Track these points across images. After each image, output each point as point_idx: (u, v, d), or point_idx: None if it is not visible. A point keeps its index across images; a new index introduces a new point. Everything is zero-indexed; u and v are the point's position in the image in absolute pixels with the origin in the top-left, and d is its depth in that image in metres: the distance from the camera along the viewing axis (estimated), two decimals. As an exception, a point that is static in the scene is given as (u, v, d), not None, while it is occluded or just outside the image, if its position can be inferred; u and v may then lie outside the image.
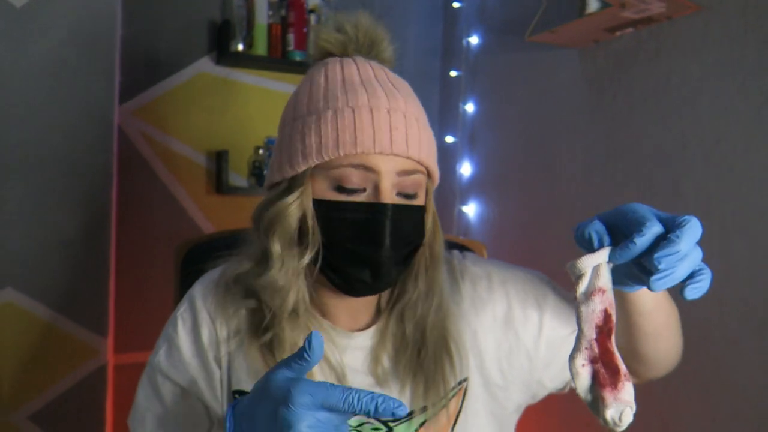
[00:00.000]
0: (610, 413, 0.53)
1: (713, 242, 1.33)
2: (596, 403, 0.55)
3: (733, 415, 1.32)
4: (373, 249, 0.67)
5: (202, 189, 2.10)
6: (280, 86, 2.18)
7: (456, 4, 2.36)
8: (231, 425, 0.57)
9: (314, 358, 0.52)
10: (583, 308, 0.54)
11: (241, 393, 0.75)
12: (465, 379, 0.77)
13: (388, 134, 0.67)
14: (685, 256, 0.48)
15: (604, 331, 0.54)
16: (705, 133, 1.41)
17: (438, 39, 2.48)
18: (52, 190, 1.61)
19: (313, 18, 2.10)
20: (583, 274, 0.54)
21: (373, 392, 0.50)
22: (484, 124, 2.23)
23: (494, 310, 0.79)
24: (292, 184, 0.70)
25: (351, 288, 0.71)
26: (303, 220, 0.69)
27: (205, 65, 2.09)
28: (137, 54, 1.98)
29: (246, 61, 2.08)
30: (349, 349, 0.76)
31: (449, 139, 2.33)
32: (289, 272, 0.70)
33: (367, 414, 0.49)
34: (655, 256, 0.48)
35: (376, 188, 0.67)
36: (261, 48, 2.05)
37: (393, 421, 0.75)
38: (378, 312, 0.79)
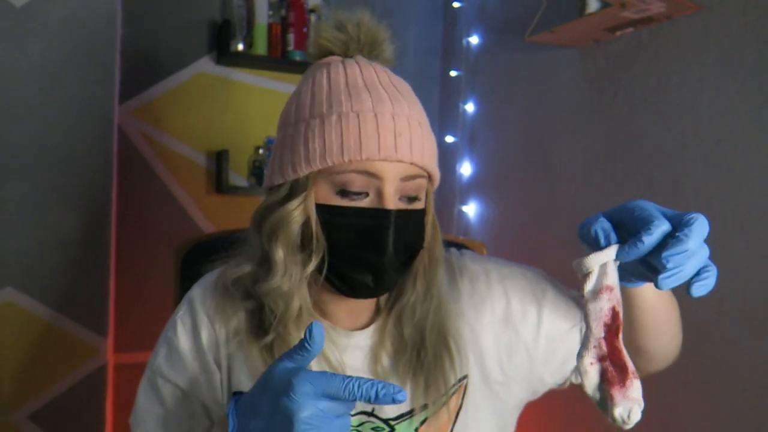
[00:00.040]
0: (618, 411, 0.53)
1: (713, 242, 1.32)
2: (604, 402, 0.55)
3: (733, 415, 1.32)
4: (376, 255, 0.68)
5: (202, 189, 2.10)
6: (280, 86, 2.18)
7: (456, 4, 2.36)
8: (234, 424, 0.57)
9: (315, 348, 0.53)
10: (590, 306, 0.54)
11: (242, 394, 0.75)
12: (465, 376, 0.77)
13: (392, 140, 0.66)
14: (693, 254, 0.48)
15: (612, 329, 0.54)
16: (705, 133, 1.41)
17: (438, 39, 2.48)
18: (52, 190, 1.61)
19: (313, 18, 2.10)
20: (590, 272, 0.54)
21: (373, 379, 0.50)
22: (484, 124, 2.23)
23: (493, 306, 0.79)
24: (294, 187, 0.69)
25: (353, 291, 0.71)
26: (306, 225, 0.69)
27: (205, 65, 2.09)
28: (137, 54, 1.98)
29: (246, 60, 2.08)
30: (349, 348, 0.76)
31: (449, 139, 2.33)
32: (293, 278, 0.70)
33: (368, 400, 0.49)
34: (664, 255, 0.48)
35: (379, 193, 0.67)
36: (261, 48, 2.05)
37: (394, 420, 0.75)
38: (377, 311, 0.79)
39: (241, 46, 2.03)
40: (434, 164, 0.73)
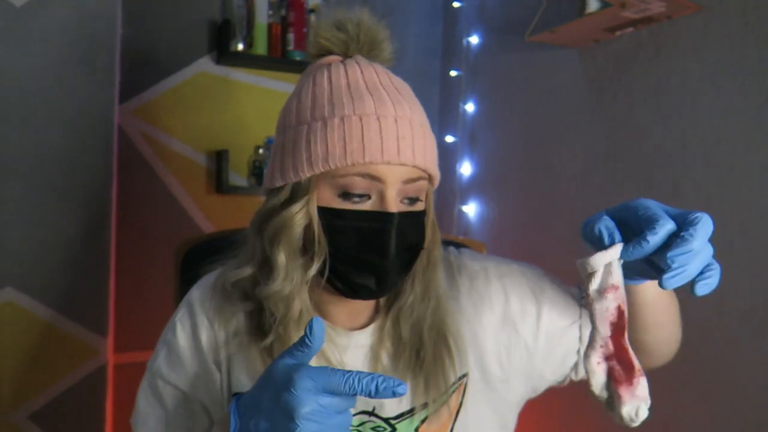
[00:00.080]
0: (626, 410, 0.54)
1: (713, 242, 1.32)
2: (612, 401, 0.55)
3: (733, 415, 1.32)
4: (379, 257, 0.68)
5: (202, 189, 2.10)
6: (280, 86, 2.18)
7: (456, 4, 2.36)
8: (236, 423, 0.57)
9: (315, 344, 0.53)
10: (596, 306, 0.54)
11: (243, 393, 0.75)
12: (465, 375, 0.77)
13: (395, 144, 0.66)
14: (698, 253, 0.49)
15: (618, 328, 0.54)
16: (705, 133, 1.41)
17: (438, 39, 2.48)
18: (52, 190, 1.61)
19: (313, 18, 2.10)
20: (595, 271, 0.54)
21: (373, 373, 0.50)
22: (484, 123, 2.23)
23: (492, 304, 0.79)
24: (296, 190, 0.69)
25: (355, 293, 0.71)
26: (308, 228, 0.69)
27: (205, 65, 2.09)
28: (137, 54, 1.98)
29: (246, 60, 2.08)
30: (349, 348, 0.76)
31: (449, 138, 2.33)
32: (294, 282, 0.70)
33: (369, 394, 0.50)
34: (669, 255, 0.48)
35: (382, 196, 0.67)
36: (261, 48, 2.05)
37: (395, 419, 0.75)
38: (376, 310, 0.79)
39: (241, 46, 2.03)
40: (435, 165, 0.73)
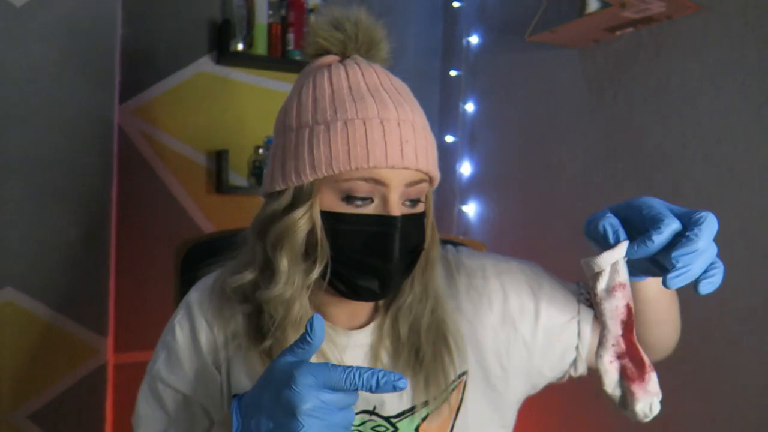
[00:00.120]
0: (640, 406, 0.54)
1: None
2: (625, 398, 0.55)
3: (733, 415, 1.32)
4: (382, 261, 0.68)
5: (202, 189, 2.10)
6: (280, 86, 2.18)
7: (456, 4, 2.36)
8: (238, 423, 0.57)
9: (316, 341, 0.53)
10: (605, 305, 0.54)
11: (244, 393, 0.75)
12: (465, 372, 0.77)
13: (399, 148, 0.66)
14: (702, 253, 0.49)
15: (627, 326, 0.55)
16: (705, 133, 1.41)
17: (438, 38, 2.48)
18: (52, 190, 1.61)
19: (312, 18, 2.10)
20: (602, 270, 0.54)
21: (373, 368, 0.50)
22: (484, 123, 2.23)
23: (490, 302, 0.79)
24: (298, 194, 0.69)
25: (357, 296, 0.71)
26: (311, 232, 0.69)
27: (205, 65, 2.09)
28: (137, 54, 1.98)
29: (246, 60, 2.08)
30: (349, 347, 0.76)
31: (449, 138, 2.33)
32: (296, 286, 0.70)
33: (369, 389, 0.50)
34: (674, 254, 0.48)
35: (385, 200, 0.67)
36: (261, 48, 2.05)
37: (395, 417, 0.75)
38: (375, 309, 0.79)
39: (241, 46, 2.03)
40: (436, 167, 0.73)
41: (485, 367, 0.78)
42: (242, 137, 2.13)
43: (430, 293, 0.76)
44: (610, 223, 0.54)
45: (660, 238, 0.50)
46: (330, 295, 0.74)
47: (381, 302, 0.79)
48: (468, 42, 2.29)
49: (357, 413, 0.75)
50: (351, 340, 0.76)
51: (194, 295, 0.80)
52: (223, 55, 2.03)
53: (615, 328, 0.54)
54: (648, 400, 0.54)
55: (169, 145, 2.05)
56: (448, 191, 2.29)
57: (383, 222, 0.67)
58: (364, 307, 0.78)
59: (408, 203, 0.70)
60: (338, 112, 0.67)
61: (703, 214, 0.49)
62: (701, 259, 0.49)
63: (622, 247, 0.52)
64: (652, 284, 0.67)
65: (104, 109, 1.68)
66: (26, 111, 1.58)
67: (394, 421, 0.75)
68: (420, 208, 0.72)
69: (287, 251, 0.69)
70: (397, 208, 0.67)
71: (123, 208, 1.92)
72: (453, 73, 2.36)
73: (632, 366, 0.54)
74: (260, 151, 2.12)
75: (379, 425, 0.75)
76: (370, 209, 0.68)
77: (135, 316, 1.94)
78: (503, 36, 2.13)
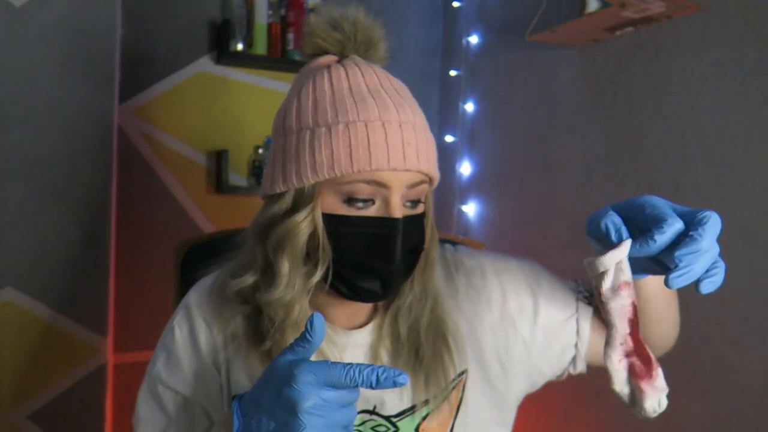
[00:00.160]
0: (649, 403, 0.54)
1: (713, 242, 1.32)
2: (634, 395, 0.55)
3: (733, 415, 1.32)
4: (385, 262, 0.68)
5: (202, 188, 2.10)
6: (280, 86, 2.18)
7: (456, 4, 2.36)
8: (239, 423, 0.57)
9: (316, 339, 0.53)
10: (612, 304, 0.54)
11: (245, 393, 0.75)
12: (464, 371, 0.77)
13: (401, 150, 0.66)
14: (705, 253, 0.49)
15: (634, 324, 0.55)
16: (705, 132, 1.41)
17: (438, 38, 2.48)
18: (52, 190, 1.61)
19: (311, 17, 2.10)
20: (607, 270, 0.54)
21: (373, 365, 0.50)
22: (483, 123, 2.23)
23: (489, 301, 0.79)
24: (299, 197, 0.68)
25: (359, 297, 0.71)
26: (312, 235, 0.68)
27: (205, 65, 2.09)
28: (137, 54, 1.98)
29: (246, 60, 2.08)
30: (348, 347, 0.76)
31: (449, 138, 2.33)
32: (296, 289, 0.70)
33: (370, 385, 0.50)
34: (677, 253, 0.48)
35: (386, 202, 0.67)
36: (261, 47, 2.05)
37: (396, 417, 0.75)
38: (375, 309, 0.79)
39: (240, 46, 2.03)
40: (436, 168, 0.73)
41: (485, 366, 0.78)
42: (242, 137, 2.13)
43: (429, 293, 0.76)
44: (613, 222, 0.54)
45: (663, 238, 0.50)
46: (330, 296, 0.74)
47: (381, 302, 0.79)
48: (468, 42, 2.29)
49: (357, 413, 0.75)
50: (350, 340, 0.76)
51: (193, 297, 0.80)
52: (223, 55, 2.03)
53: (623, 327, 0.55)
54: (656, 396, 0.54)
55: (168, 145, 2.05)
56: (448, 191, 2.29)
57: (386, 224, 0.67)
58: (364, 307, 0.78)
59: (408, 204, 0.69)
60: (339, 114, 0.67)
61: (707, 213, 0.49)
62: (704, 259, 0.49)
63: (626, 246, 0.52)
64: (652, 282, 0.67)
65: (104, 109, 1.68)
66: (26, 111, 1.58)
67: (394, 420, 0.75)
68: (420, 208, 0.72)
69: (288, 254, 0.69)
70: (398, 210, 0.67)
71: (123, 208, 1.92)
72: (453, 72, 2.36)
73: (640, 363, 0.55)
74: (260, 150, 2.12)
75: (380, 425, 0.75)
76: (371, 211, 0.68)
77: (135, 316, 1.94)
78: (503, 36, 2.13)
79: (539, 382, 0.82)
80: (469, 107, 2.28)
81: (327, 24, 0.75)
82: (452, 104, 2.35)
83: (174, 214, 2.05)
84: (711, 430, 1.36)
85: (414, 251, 0.72)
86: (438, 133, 2.39)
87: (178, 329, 0.78)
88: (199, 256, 1.04)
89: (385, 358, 0.76)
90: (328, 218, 0.68)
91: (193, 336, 0.77)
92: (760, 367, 1.27)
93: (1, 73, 1.55)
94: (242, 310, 0.75)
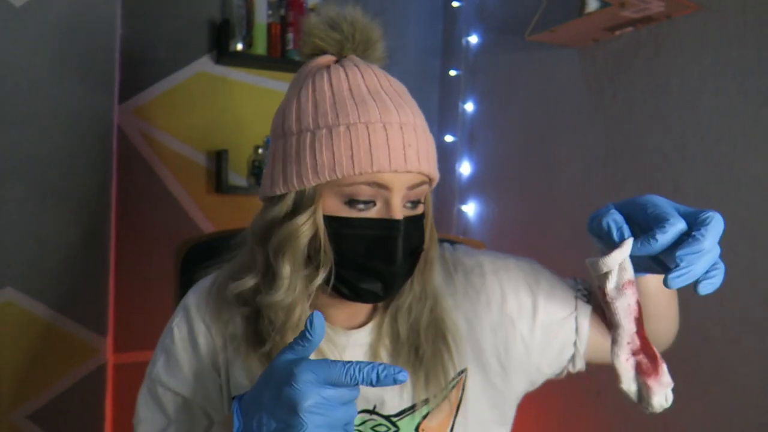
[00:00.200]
0: (657, 399, 0.55)
1: (713, 242, 1.32)
2: (641, 393, 0.56)
3: (733, 415, 1.32)
4: (386, 264, 0.68)
5: (202, 188, 2.10)
6: (280, 86, 2.18)
7: (455, 3, 2.36)
8: (239, 423, 0.57)
9: (316, 337, 0.52)
10: (617, 303, 0.54)
11: (245, 394, 0.75)
12: (464, 370, 0.77)
13: (402, 152, 0.66)
14: (706, 253, 0.49)
15: (639, 322, 0.55)
16: (705, 132, 1.41)
17: (438, 38, 2.48)
18: (51, 190, 1.61)
19: (309, 17, 2.10)
20: (610, 270, 0.54)
21: (373, 362, 0.50)
22: (483, 123, 2.23)
23: (488, 300, 0.79)
24: (300, 199, 0.68)
25: (360, 298, 0.71)
26: (314, 237, 0.68)
27: (205, 65, 2.09)
28: (137, 54, 1.98)
29: (245, 60, 2.08)
30: (348, 347, 0.76)
31: (449, 138, 2.33)
32: (297, 291, 0.70)
33: (370, 383, 0.50)
34: (678, 253, 0.48)
35: (387, 203, 0.67)
36: (260, 47, 2.05)
37: (396, 416, 0.75)
38: (374, 308, 0.79)
39: (240, 46, 2.03)
40: (436, 168, 0.73)
41: (484, 365, 0.78)
42: (242, 137, 2.13)
43: (428, 292, 0.76)
44: (614, 220, 0.54)
45: (664, 238, 0.50)
46: (330, 297, 0.74)
47: (380, 302, 0.79)
48: (467, 41, 2.29)
49: (358, 412, 0.75)
50: (350, 340, 0.76)
51: (192, 298, 0.80)
52: (223, 55, 2.03)
53: (629, 326, 0.55)
54: (663, 392, 0.55)
55: (168, 145, 2.05)
56: (448, 191, 2.29)
57: (387, 225, 0.67)
58: (363, 307, 0.78)
59: (409, 205, 0.69)
60: (340, 116, 0.67)
61: (710, 214, 0.49)
62: (705, 260, 0.49)
63: (628, 245, 0.52)
64: (652, 279, 0.67)
65: (104, 108, 1.68)
66: (26, 111, 1.58)
67: (394, 419, 0.75)
68: (420, 209, 0.72)
69: (290, 257, 0.68)
70: (399, 212, 0.67)
71: (123, 208, 1.92)
72: (452, 72, 2.35)
73: (647, 361, 0.55)
74: (260, 150, 2.12)
75: (380, 424, 0.75)
76: (372, 213, 0.68)
77: (135, 316, 1.94)
78: (503, 36, 2.13)
79: (538, 380, 0.82)
80: (469, 107, 2.28)
81: (325, 24, 0.75)
82: (452, 104, 2.35)
83: (174, 214, 2.05)
84: (711, 430, 1.36)
85: (414, 252, 0.72)
86: (438, 132, 2.39)
87: (177, 331, 0.78)
88: (199, 256, 1.04)
89: (384, 357, 0.76)
90: (330, 220, 0.68)
91: (193, 337, 0.77)
92: (760, 367, 1.27)
93: (0, 73, 1.55)
94: (241, 311, 0.75)
